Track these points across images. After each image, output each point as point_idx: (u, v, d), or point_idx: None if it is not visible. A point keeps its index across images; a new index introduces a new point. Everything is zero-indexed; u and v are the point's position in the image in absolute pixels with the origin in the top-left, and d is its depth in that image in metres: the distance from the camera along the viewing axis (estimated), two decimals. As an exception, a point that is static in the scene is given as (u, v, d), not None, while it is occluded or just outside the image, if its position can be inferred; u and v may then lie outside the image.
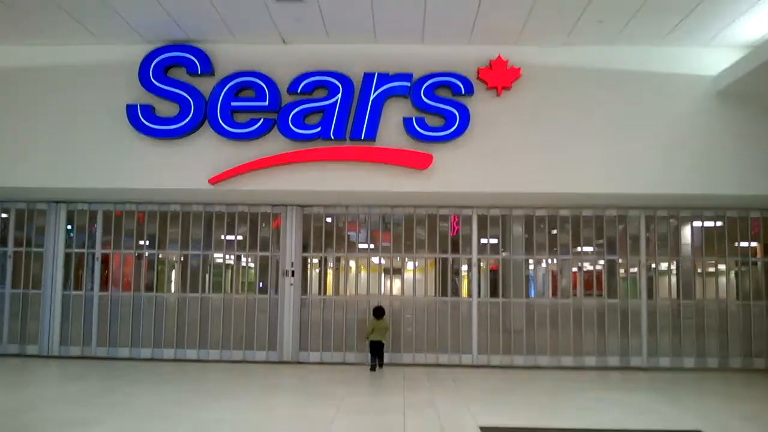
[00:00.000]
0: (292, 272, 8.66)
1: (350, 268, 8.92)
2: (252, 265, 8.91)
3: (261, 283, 8.86)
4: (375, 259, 8.81)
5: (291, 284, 8.64)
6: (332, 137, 7.57)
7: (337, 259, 8.90)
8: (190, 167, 7.71)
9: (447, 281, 8.75)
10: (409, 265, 8.87)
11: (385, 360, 8.34)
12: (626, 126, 7.58)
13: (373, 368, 8.07)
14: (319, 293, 8.76)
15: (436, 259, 8.79)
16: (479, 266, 8.67)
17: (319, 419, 5.39)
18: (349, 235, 8.90)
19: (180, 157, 7.72)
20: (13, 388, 6.76)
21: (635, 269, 8.74)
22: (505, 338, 8.56)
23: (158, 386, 6.93)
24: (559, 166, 7.55)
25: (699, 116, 7.56)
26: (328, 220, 8.90)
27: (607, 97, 7.63)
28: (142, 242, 8.91)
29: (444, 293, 8.72)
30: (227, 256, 8.95)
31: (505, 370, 8.28)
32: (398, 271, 8.86)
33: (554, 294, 8.68)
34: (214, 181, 7.63)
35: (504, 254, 8.72)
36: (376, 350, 8.15)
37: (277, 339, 8.60)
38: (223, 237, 8.92)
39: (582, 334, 8.54)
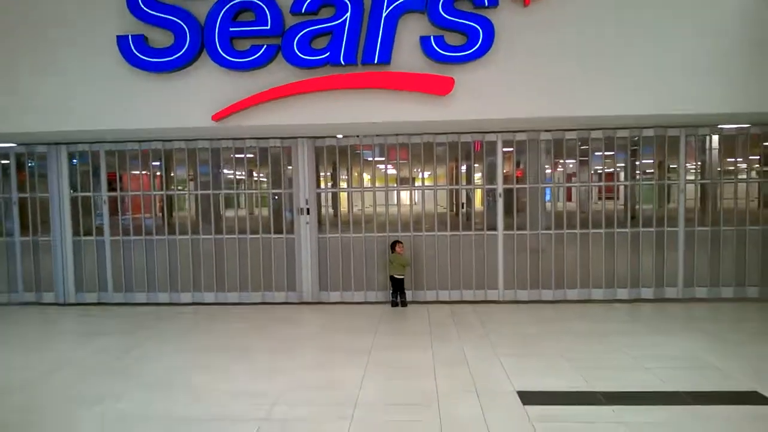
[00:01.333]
0: (307, 210, 8.21)
1: (367, 202, 8.44)
2: (265, 203, 8.48)
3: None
4: (393, 193, 8.30)
5: (307, 223, 8.22)
6: (342, 62, 6.86)
7: (354, 194, 8.40)
8: (190, 103, 7.12)
9: (471, 213, 8.26)
10: (429, 197, 8.34)
11: (409, 297, 8.05)
12: (670, 40, 6.74)
13: (394, 304, 7.88)
14: (337, 231, 8.33)
15: (456, 191, 8.27)
16: (504, 196, 8.14)
17: (348, 382, 5.16)
18: (364, 168, 8.35)
19: (179, 93, 7.12)
20: (36, 345, 6.63)
21: (674, 193, 8.14)
22: (533, 272, 8.14)
23: (183, 338, 6.74)
24: (596, 87, 6.81)
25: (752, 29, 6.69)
26: (342, 151, 8.33)
27: (649, 9, 6.75)
28: (149, 182, 8.48)
29: (468, 226, 8.25)
30: (239, 194, 8.51)
31: (533, 306, 7.91)
32: (418, 204, 8.35)
33: (585, 224, 8.15)
34: (217, 117, 7.05)
35: (532, 182, 8.14)
36: (397, 286, 7.87)
37: (296, 279, 8.30)
38: (232, 174, 8.45)
39: (614, 265, 8.09)
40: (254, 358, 5.82)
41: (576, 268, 8.09)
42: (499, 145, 8.10)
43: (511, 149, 8.11)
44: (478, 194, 8.34)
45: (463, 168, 8.25)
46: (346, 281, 8.29)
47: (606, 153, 8.09)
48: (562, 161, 8.11)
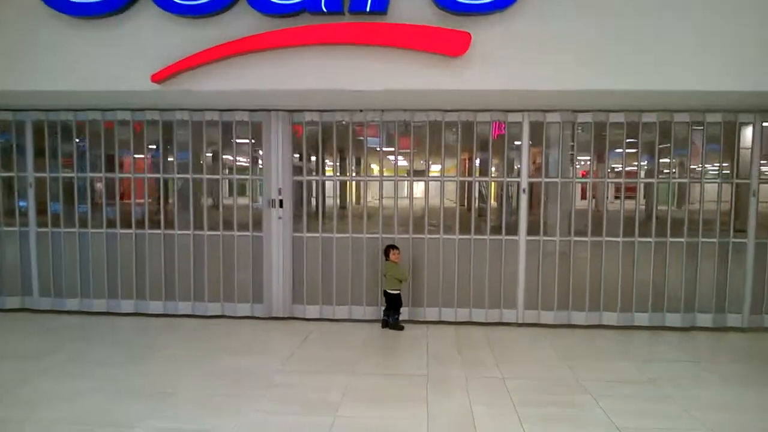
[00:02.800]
0: (280, 202, 6.55)
1: (357, 195, 6.77)
2: (228, 192, 6.80)
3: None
4: (390, 185, 6.61)
5: (279, 217, 6.55)
6: (324, 9, 5.18)
7: (339, 184, 6.73)
8: (126, 60, 5.45)
9: (487, 212, 6.58)
10: (435, 190, 6.65)
11: (405, 315, 6.40)
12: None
13: (385, 324, 6.29)
14: (317, 229, 6.66)
15: (468, 184, 6.58)
16: (528, 191, 6.44)
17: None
18: (353, 152, 6.66)
19: (112, 46, 5.45)
20: None
21: (743, 194, 6.43)
22: (562, 289, 6.45)
23: (96, 367, 5.08)
24: (659, 54, 5.12)
25: None
26: (326, 130, 6.65)
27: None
28: (84, 162, 6.81)
29: (481, 229, 6.56)
30: (196, 180, 6.83)
31: (560, 332, 6.24)
32: (420, 199, 6.66)
33: (629, 230, 6.45)
34: (158, 78, 5.37)
35: (564, 176, 6.44)
36: (390, 303, 6.24)
37: (263, 288, 6.64)
38: (188, 155, 6.77)
39: (665, 283, 6.40)
40: (167, 411, 4.17)
41: (616, 286, 6.40)
42: (526, 127, 6.39)
43: (540, 133, 6.41)
44: (496, 189, 6.65)
45: (479, 156, 6.55)
46: (327, 292, 6.63)
47: (660, 142, 6.38)
48: (604, 151, 6.40)
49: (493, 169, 6.53)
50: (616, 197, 6.47)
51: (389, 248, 6.22)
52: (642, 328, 6.36)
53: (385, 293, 6.24)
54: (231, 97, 5.78)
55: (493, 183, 6.55)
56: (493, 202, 6.61)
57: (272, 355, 5.35)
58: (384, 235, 6.52)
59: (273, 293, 6.61)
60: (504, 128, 6.45)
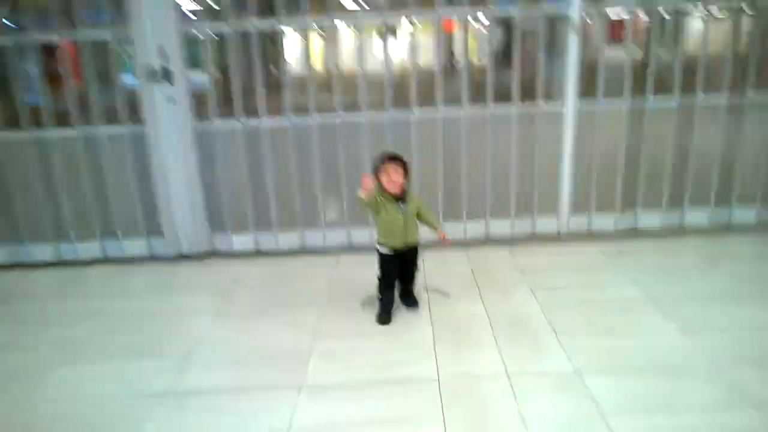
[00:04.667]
0: (166, 71, 3.88)
1: (301, 55, 4.14)
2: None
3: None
4: (353, 36, 3.98)
5: (169, 99, 3.93)
6: None
7: (267, 37, 4.04)
8: None
9: (514, 64, 4.08)
10: (426, 45, 4.06)
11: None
12: None
13: (384, 316, 3.15)
14: (234, 114, 4.08)
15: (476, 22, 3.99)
16: (580, 31, 3.92)
17: None
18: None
19: None
20: None
21: None
22: (629, 179, 4.19)
23: None
24: None
25: None
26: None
27: None
28: None
29: (503, 94, 4.09)
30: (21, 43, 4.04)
31: (626, 244, 4.10)
32: (406, 46, 4.08)
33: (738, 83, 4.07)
34: None
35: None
36: (396, 271, 3.20)
37: (161, 216, 4.19)
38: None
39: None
40: None
41: (712, 170, 4.17)
42: None
43: None
44: (525, 33, 4.07)
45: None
46: (262, 213, 4.23)
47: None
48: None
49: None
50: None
51: (387, 160, 3.00)
52: (743, 227, 4.24)
53: (385, 257, 3.12)
54: None
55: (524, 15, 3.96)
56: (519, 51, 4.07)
57: (167, 348, 3.05)
58: (347, 119, 4.03)
59: (177, 221, 4.17)
60: None
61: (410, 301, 3.30)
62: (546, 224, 4.25)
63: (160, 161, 4.01)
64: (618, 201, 4.18)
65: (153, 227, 4.21)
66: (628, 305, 3.21)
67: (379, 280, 3.18)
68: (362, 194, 2.90)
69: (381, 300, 3.19)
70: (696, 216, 4.23)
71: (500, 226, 4.24)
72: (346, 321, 3.21)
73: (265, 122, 4.04)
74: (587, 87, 4.00)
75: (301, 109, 4.04)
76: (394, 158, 2.99)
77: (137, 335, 3.19)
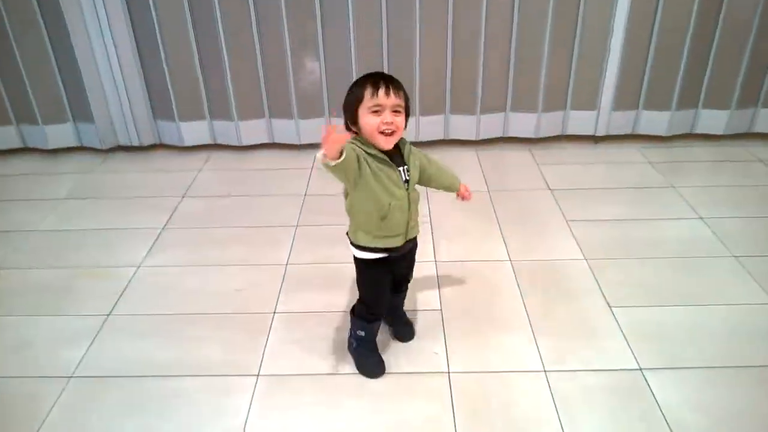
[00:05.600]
0: None
1: None
2: None
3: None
4: None
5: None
6: None
7: None
8: None
9: None
10: None
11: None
12: None
13: (377, 369, 1.80)
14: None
15: None
16: None
17: None
18: None
19: None
20: None
21: None
22: (693, 71, 3.21)
23: None
24: None
25: None
26: None
27: None
28: None
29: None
30: None
31: (680, 150, 3.24)
32: None
33: None
34: None
35: None
36: (390, 283, 1.78)
37: (89, 97, 3.27)
38: None
39: None
40: None
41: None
42: None
43: None
44: None
45: None
46: (219, 95, 3.32)
47: None
48: None
49: None
50: None
51: (378, 87, 1.51)
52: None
53: (367, 263, 1.68)
54: None
55: None
56: None
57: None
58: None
59: (109, 103, 3.28)
60: None
61: (405, 329, 1.95)
62: (579, 121, 3.33)
63: (75, 22, 3.04)
64: (676, 93, 3.22)
65: (80, 112, 3.32)
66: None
67: (362, 306, 1.76)
68: (329, 148, 1.36)
69: (363, 339, 1.79)
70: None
71: (521, 122, 3.32)
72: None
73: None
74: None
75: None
76: (388, 80, 1.53)
77: None
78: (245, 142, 3.37)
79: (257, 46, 3.12)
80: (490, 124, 3.33)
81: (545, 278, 2.19)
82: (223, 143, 3.41)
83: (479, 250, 2.39)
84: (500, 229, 2.52)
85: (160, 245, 2.50)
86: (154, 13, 3.04)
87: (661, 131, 3.30)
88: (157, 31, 3.08)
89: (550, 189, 2.86)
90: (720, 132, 3.29)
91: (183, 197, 2.91)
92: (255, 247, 2.47)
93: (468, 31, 3.07)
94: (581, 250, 2.34)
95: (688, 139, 3.34)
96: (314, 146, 3.37)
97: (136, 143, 3.41)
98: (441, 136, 3.36)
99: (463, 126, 3.32)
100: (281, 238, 2.52)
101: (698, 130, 3.33)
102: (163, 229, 2.63)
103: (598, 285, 2.13)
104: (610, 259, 2.28)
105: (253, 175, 3.15)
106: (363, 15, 3.01)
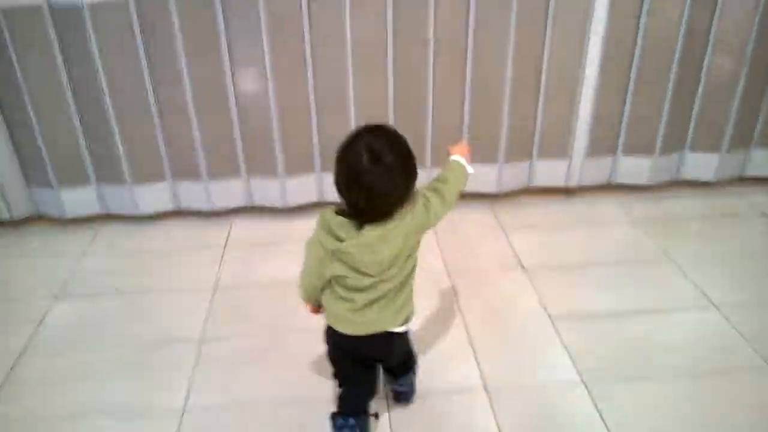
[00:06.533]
0: None
1: None
2: None
3: None
4: None
5: None
6: None
7: None
8: None
9: None
10: None
11: (314, 195, 2.68)
12: None
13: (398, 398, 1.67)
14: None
15: None
16: None
17: None
18: None
19: None
20: None
21: None
22: (679, 103, 2.72)
23: None
24: None
25: None
26: None
27: None
28: None
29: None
30: None
31: (663, 204, 2.77)
32: None
33: None
34: None
35: None
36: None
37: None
38: None
39: None
40: None
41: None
42: None
43: None
44: None
45: None
46: (106, 150, 2.62)
47: None
48: None
49: None
50: None
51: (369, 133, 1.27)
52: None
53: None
54: None
55: None
56: None
57: None
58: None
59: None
60: None
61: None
62: (550, 170, 2.81)
63: None
64: (660, 133, 2.73)
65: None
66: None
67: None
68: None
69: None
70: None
71: (483, 175, 2.78)
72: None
73: None
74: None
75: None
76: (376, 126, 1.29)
77: None
78: (143, 210, 2.70)
79: (150, 91, 2.46)
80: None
81: (533, 415, 1.64)
82: (116, 213, 2.73)
83: (444, 371, 1.81)
84: (469, 339, 1.95)
85: (9, 390, 1.82)
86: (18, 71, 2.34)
87: (643, 180, 2.82)
88: (22, 84, 2.38)
89: (522, 267, 2.32)
90: (710, 178, 2.84)
91: (56, 298, 2.23)
92: (142, 381, 1.83)
93: (411, 68, 2.50)
94: (577, 370, 1.80)
95: (673, 188, 2.87)
96: (231, 212, 2.74)
97: (5, 217, 2.68)
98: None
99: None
100: (178, 362, 1.88)
101: (685, 177, 2.87)
102: (18, 359, 1.94)
103: (607, 429, 1.60)
104: (616, 383, 1.75)
105: (150, 258, 2.49)
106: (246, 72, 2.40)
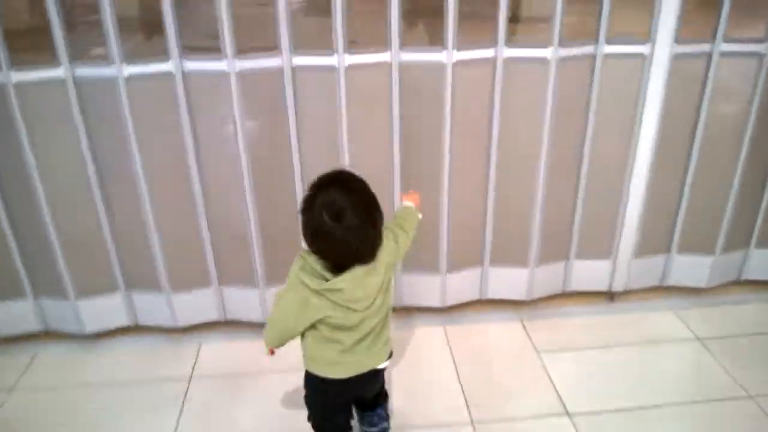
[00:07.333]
0: None
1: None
2: None
3: None
4: None
5: None
6: None
7: None
8: None
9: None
10: None
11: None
12: None
13: None
14: None
15: None
16: None
17: None
18: None
19: None
20: None
21: None
22: (745, 198, 2.26)
23: None
24: None
25: None
26: None
27: None
28: None
29: (514, 31, 2.02)
30: None
31: (729, 315, 2.28)
32: None
33: None
34: None
35: None
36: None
37: None
38: None
39: None
40: None
41: None
42: None
43: None
44: None
45: None
46: (43, 257, 2.11)
47: None
48: None
49: None
50: None
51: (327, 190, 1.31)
52: None
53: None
54: None
55: None
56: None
57: None
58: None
59: None
60: None
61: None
62: (588, 275, 2.32)
63: None
64: (723, 230, 2.26)
65: None
66: None
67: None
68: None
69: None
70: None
71: (503, 280, 2.28)
72: None
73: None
74: (693, 17, 1.98)
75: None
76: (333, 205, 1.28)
77: None
78: (90, 328, 2.18)
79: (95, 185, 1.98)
80: (462, 284, 2.27)
81: None
82: (59, 330, 2.21)
83: None
84: None
85: None
86: None
87: (701, 282, 2.33)
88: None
89: (567, 413, 1.80)
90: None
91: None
92: None
93: (425, 153, 2.03)
94: None
95: (734, 290, 2.38)
96: (196, 327, 2.22)
97: None
98: (397, 303, 2.29)
99: (423, 288, 2.25)
100: None
101: (747, 276, 2.39)
102: None
103: None
104: None
105: (94, 396, 1.95)
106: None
